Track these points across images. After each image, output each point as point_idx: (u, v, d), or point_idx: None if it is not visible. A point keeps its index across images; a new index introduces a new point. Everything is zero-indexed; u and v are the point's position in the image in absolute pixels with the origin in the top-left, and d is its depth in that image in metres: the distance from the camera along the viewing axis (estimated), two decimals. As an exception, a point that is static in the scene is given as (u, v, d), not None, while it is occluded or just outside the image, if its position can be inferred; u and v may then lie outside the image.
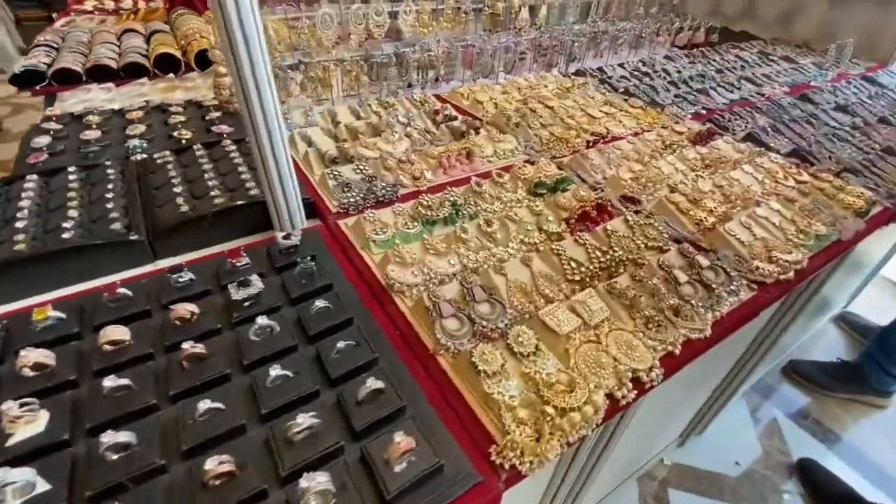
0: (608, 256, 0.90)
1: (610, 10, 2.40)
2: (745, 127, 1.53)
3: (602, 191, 1.13)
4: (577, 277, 0.85)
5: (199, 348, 0.63)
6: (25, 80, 1.59)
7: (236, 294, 0.73)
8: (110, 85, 1.64)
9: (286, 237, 0.85)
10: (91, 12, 2.70)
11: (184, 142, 1.28)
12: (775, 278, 0.90)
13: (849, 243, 1.06)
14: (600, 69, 2.01)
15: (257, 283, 0.75)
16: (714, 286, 0.84)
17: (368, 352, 0.67)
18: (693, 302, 0.80)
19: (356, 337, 0.69)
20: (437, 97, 1.71)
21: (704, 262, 0.88)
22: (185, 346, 0.63)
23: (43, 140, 1.24)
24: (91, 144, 1.25)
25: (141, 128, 1.33)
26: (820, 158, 1.36)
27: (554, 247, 0.90)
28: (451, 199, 1.04)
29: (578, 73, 1.98)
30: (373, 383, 0.60)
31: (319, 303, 0.73)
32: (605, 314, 0.76)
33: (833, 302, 2.51)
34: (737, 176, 1.22)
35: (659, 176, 1.19)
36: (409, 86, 1.76)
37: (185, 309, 0.70)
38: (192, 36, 1.87)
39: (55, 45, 1.84)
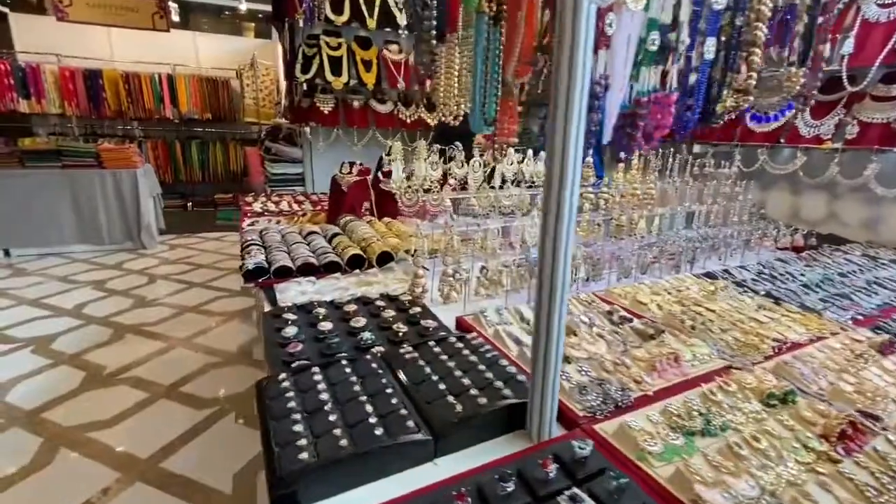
0: (901, 483, 0.88)
1: (709, 219, 2.74)
2: (919, 335, 1.57)
3: (829, 404, 1.15)
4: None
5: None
6: (252, 274, 1.91)
7: (572, 511, 0.76)
8: (313, 278, 1.94)
9: (582, 447, 0.90)
10: (262, 214, 3.33)
11: (400, 335, 1.45)
12: None
13: None
14: (726, 271, 2.20)
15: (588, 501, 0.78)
16: None
17: None
18: None
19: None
20: (595, 295, 1.89)
21: None
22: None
23: (290, 330, 1.44)
24: (328, 336, 1.44)
25: (362, 321, 1.54)
26: None
27: (840, 469, 0.90)
28: (696, 408, 1.09)
29: (708, 275, 2.16)
30: None
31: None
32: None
33: None
34: (958, 391, 1.22)
35: (877, 389, 1.21)
36: (566, 285, 1.97)
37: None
38: (369, 239, 2.26)
39: (259, 244, 2.26)
